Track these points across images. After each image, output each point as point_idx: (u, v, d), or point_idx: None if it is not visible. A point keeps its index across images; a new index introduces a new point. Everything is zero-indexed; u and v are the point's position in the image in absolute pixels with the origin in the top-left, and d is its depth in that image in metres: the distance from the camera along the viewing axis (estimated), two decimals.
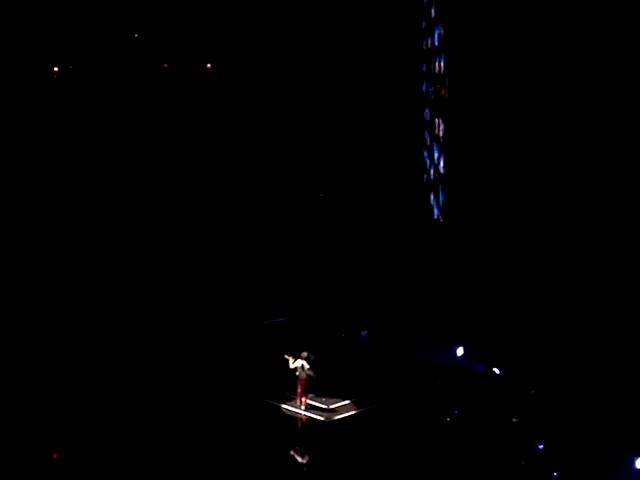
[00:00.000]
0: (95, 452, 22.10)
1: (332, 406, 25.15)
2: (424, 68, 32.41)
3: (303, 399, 25.05)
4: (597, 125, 25.30)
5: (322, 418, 24.70)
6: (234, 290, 30.89)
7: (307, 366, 24.97)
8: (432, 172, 31.93)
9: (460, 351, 27.45)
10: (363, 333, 29.40)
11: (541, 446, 22.70)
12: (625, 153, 24.86)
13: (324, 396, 25.41)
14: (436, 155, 31.09)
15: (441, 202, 30.27)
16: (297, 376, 24.97)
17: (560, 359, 25.89)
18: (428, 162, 32.60)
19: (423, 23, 32.30)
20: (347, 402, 25.40)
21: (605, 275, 25.77)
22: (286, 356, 25.19)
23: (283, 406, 25.15)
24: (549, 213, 27.06)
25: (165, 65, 31.42)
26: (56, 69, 30.56)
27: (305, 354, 25.05)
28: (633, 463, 21.60)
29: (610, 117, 25.03)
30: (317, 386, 25.21)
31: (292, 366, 25.02)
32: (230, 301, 30.54)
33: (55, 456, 21.81)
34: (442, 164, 30.40)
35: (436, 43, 30.85)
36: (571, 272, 26.40)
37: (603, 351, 25.34)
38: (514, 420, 23.97)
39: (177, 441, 22.87)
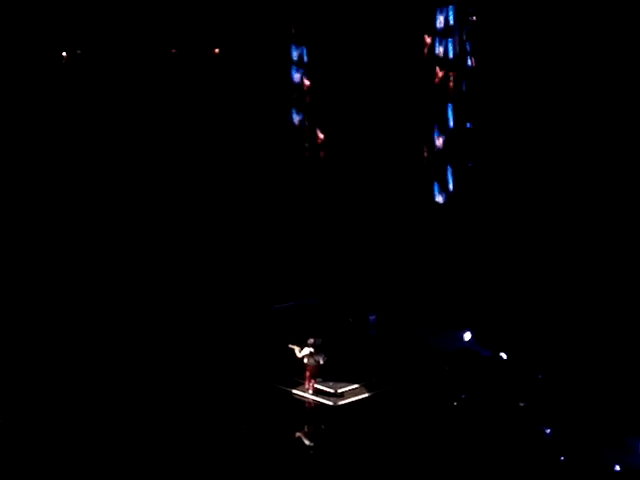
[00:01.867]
0: (104, 437, 22.19)
1: (340, 390, 25.17)
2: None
3: (311, 383, 25.05)
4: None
5: (330, 402, 24.73)
6: (239, 276, 30.71)
7: (314, 352, 25.01)
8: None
9: (467, 336, 27.49)
10: (371, 318, 29.41)
11: (548, 430, 22.82)
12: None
13: (332, 380, 25.39)
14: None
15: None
16: (305, 363, 24.98)
17: (567, 344, 25.96)
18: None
19: None
20: (355, 386, 25.43)
21: (614, 259, 25.85)
22: (291, 346, 25.18)
23: (290, 390, 25.12)
24: (556, 198, 27.12)
25: (173, 50, 31.44)
26: (64, 54, 30.60)
27: (311, 340, 24.99)
28: None
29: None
30: (325, 371, 25.20)
31: (300, 355, 24.95)
32: (236, 287, 30.38)
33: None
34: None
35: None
36: (580, 257, 26.47)
37: (610, 336, 25.41)
38: (521, 405, 24.05)
39: (184, 426, 22.89)
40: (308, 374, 25.04)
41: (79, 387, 24.78)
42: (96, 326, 27.91)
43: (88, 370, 25.75)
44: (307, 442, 23.14)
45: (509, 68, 28.06)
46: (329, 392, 25.12)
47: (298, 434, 23.41)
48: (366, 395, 25.10)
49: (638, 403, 23.13)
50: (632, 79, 25.56)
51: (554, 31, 26.86)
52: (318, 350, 25.19)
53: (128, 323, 28.26)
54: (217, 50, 31.52)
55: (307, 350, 25.02)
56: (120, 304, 28.98)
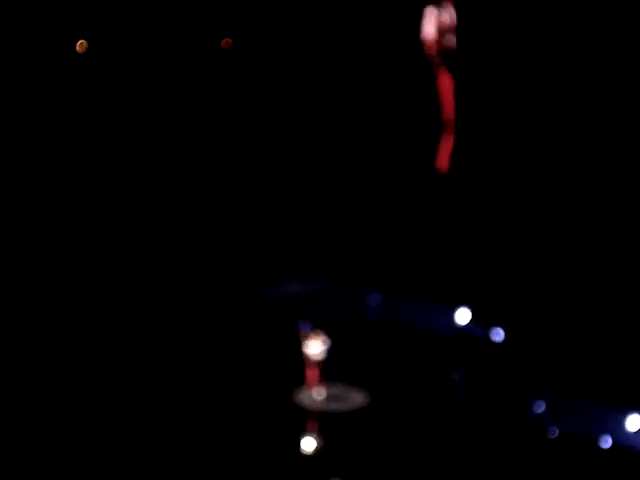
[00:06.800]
0: (109, 423, 22.28)
1: (345, 395, 24.65)
2: None
3: (314, 379, 23.81)
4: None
5: (337, 407, 24.31)
6: (244, 255, 30.75)
7: (318, 345, 23.89)
8: None
9: (464, 314, 27.95)
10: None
11: (542, 409, 23.39)
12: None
13: (337, 381, 23.92)
14: None
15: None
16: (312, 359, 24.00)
17: (564, 323, 26.57)
18: None
19: None
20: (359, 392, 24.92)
21: (612, 237, 26.51)
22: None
23: (295, 391, 24.39)
24: (554, 172, 27.60)
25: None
26: (81, 42, 30.46)
27: (311, 335, 23.70)
28: (635, 425, 22.62)
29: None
30: (329, 369, 23.77)
31: (318, 357, 23.91)
32: (240, 265, 30.44)
33: None
34: None
35: None
36: (577, 233, 27.11)
37: (607, 315, 26.13)
38: (516, 382, 24.75)
39: (187, 418, 22.64)
40: (311, 371, 23.65)
41: (87, 372, 24.94)
42: (97, 307, 28.01)
43: (90, 355, 25.68)
44: (311, 449, 23.06)
45: None
46: (335, 396, 23.38)
47: (301, 440, 21.70)
48: (366, 390, 23.75)
49: (635, 382, 23.90)
50: None
51: None
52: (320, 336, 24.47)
53: (133, 304, 28.31)
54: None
55: (321, 349, 23.74)
56: (128, 283, 29.26)
